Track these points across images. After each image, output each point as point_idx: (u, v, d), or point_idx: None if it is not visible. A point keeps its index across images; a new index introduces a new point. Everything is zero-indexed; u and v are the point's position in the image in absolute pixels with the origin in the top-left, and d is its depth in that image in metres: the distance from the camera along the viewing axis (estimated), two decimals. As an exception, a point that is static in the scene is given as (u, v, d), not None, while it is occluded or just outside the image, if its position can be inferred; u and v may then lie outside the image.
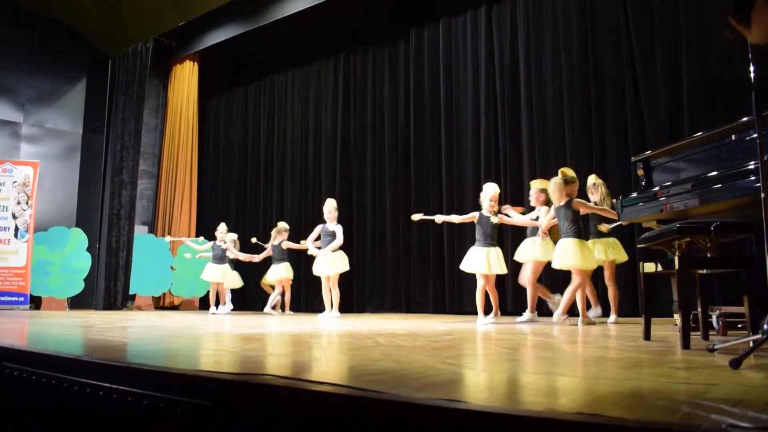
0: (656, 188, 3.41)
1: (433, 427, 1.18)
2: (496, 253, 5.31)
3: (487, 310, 5.41)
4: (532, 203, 5.78)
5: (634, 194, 3.63)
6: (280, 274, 7.90)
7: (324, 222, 7.15)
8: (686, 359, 2.13)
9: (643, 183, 3.57)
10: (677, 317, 2.84)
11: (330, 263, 6.90)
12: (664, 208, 3.29)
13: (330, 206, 7.14)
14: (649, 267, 3.05)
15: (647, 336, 2.98)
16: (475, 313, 5.43)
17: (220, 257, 8.36)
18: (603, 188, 5.13)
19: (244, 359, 2.20)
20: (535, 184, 5.80)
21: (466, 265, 5.36)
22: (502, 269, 5.38)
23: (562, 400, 1.25)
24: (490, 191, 5.42)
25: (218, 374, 1.68)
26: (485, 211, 5.36)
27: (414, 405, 1.23)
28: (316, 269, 7.02)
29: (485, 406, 1.16)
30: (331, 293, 6.96)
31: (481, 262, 5.24)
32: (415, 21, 8.51)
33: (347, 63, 9.34)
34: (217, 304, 8.44)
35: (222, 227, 8.48)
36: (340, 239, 6.94)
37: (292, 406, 1.44)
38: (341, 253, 7.01)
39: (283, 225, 8.24)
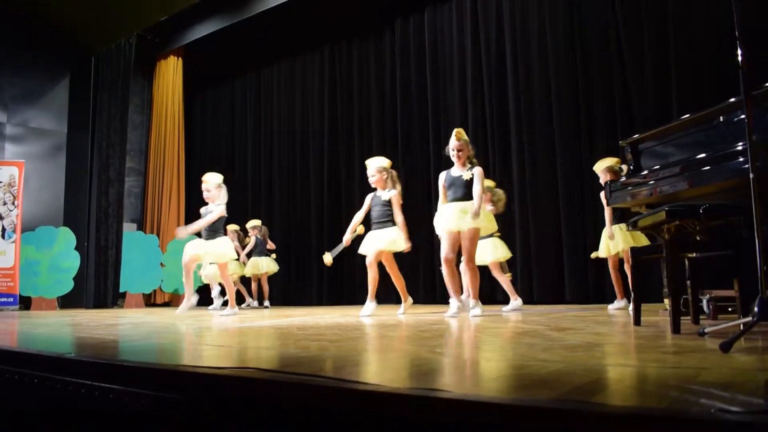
0: (645, 171, 3.38)
1: (417, 416, 1.15)
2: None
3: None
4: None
5: (623, 178, 3.60)
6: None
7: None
8: (676, 344, 2.11)
9: (632, 167, 3.54)
10: (667, 302, 2.81)
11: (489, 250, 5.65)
12: (653, 192, 3.25)
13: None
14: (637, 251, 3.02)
15: (637, 321, 2.96)
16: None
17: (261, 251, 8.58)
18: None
19: (232, 353, 2.16)
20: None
21: None
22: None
23: (545, 387, 1.22)
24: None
25: (201, 368, 1.64)
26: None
27: (396, 395, 1.19)
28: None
29: (466, 395, 1.13)
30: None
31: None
32: (400, 12, 8.45)
33: (333, 55, 9.27)
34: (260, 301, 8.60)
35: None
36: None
37: (278, 399, 1.41)
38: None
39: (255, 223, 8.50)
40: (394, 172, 5.37)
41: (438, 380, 1.41)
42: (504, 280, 5.79)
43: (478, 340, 2.50)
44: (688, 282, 3.00)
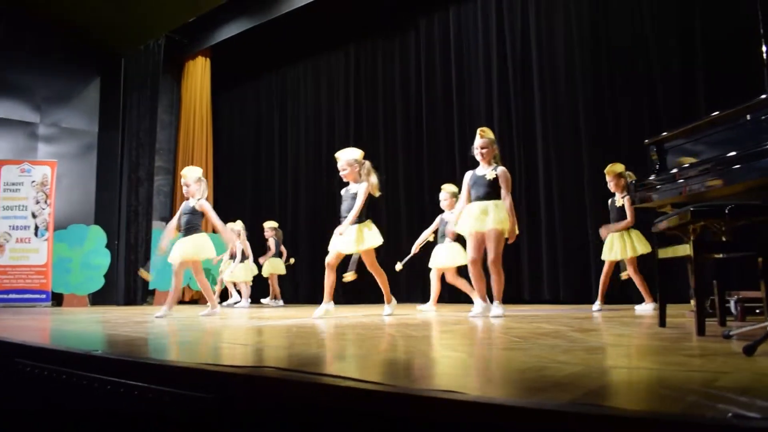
0: (674, 170, 3.33)
1: (431, 418, 1.16)
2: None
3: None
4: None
5: (652, 177, 3.54)
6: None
7: (442, 211, 6.15)
8: (700, 346, 2.08)
9: (657, 166, 3.49)
10: (693, 303, 2.77)
11: (452, 254, 5.91)
12: (683, 191, 3.20)
13: (444, 193, 6.06)
14: (665, 252, 2.98)
15: (662, 323, 2.92)
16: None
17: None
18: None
19: (249, 352, 2.19)
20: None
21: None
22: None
23: (563, 389, 1.22)
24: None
25: (221, 367, 1.67)
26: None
27: (410, 396, 1.20)
28: (435, 262, 6.03)
29: (481, 397, 1.13)
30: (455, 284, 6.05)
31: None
32: (424, 10, 8.44)
33: (358, 54, 9.30)
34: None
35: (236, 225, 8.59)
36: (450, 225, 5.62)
37: (292, 399, 1.42)
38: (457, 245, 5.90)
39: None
40: (368, 164, 5.01)
41: (454, 382, 1.42)
42: (462, 284, 5.87)
43: (498, 341, 2.50)
44: (715, 283, 2.95)
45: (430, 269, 6.14)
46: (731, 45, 5.55)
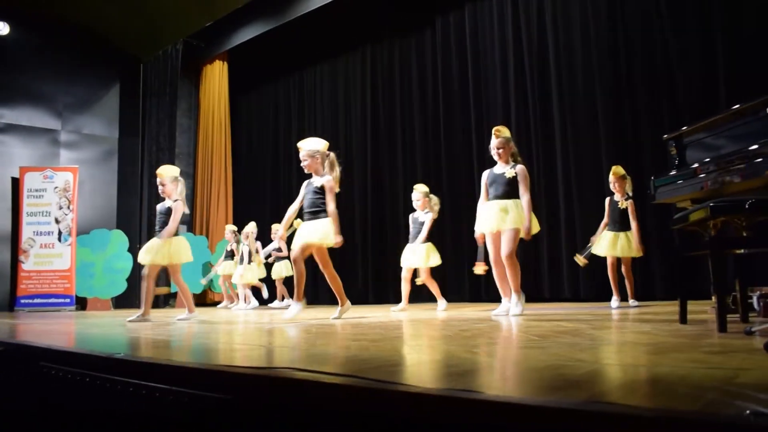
0: (695, 165, 3.30)
1: (448, 418, 1.16)
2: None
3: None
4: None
5: (673, 172, 3.51)
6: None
7: (413, 210, 6.26)
8: (720, 343, 2.06)
9: (676, 162, 3.46)
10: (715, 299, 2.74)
11: (424, 255, 5.97)
12: (704, 186, 3.17)
13: (417, 193, 6.15)
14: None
15: (683, 319, 2.89)
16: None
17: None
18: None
19: (266, 353, 2.21)
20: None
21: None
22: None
23: (580, 388, 1.21)
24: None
25: (238, 368, 1.69)
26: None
27: (428, 396, 1.21)
28: (405, 261, 6.10)
29: (498, 396, 1.13)
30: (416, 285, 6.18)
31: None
32: (440, 8, 8.42)
33: (374, 54, 9.31)
34: (273, 299, 8.93)
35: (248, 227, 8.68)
36: (424, 231, 5.97)
37: (309, 399, 1.43)
38: (431, 245, 6.06)
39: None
40: (332, 155, 4.73)
41: (472, 381, 1.42)
42: (433, 285, 6.01)
43: (517, 339, 2.49)
44: (737, 278, 2.92)
45: (401, 269, 6.21)
46: (752, 39, 5.47)
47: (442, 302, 5.94)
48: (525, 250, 5.87)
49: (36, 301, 9.32)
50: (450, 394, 1.18)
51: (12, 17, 9.66)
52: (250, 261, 8.48)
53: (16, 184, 9.71)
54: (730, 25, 5.71)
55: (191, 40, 10.66)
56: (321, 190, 4.60)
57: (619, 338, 2.31)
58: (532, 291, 6.38)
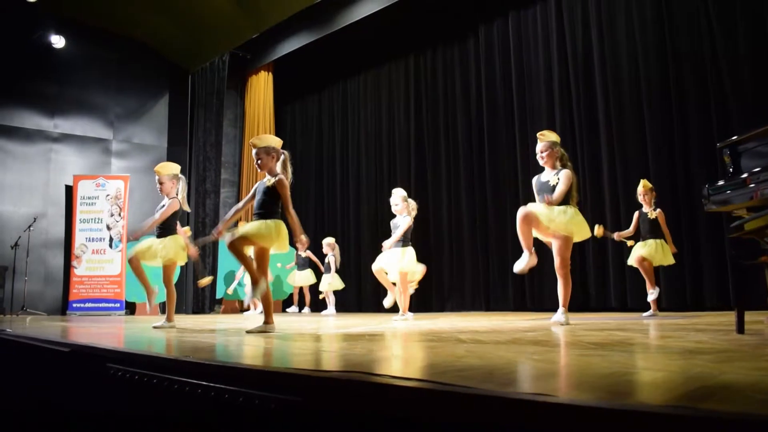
0: (744, 175, 3.26)
1: (522, 421, 1.19)
2: None
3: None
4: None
5: (721, 182, 3.48)
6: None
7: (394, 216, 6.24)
8: (784, 352, 2.04)
9: (731, 170, 3.42)
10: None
11: (396, 259, 5.89)
12: (754, 195, 3.14)
13: (395, 197, 6.08)
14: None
15: (740, 329, 2.86)
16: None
17: (302, 264, 9.49)
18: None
19: (328, 357, 2.26)
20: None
21: None
22: None
23: (651, 394, 1.24)
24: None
25: (307, 371, 1.74)
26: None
27: (503, 399, 1.24)
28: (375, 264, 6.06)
29: (574, 400, 1.16)
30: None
31: None
32: (483, 17, 8.45)
33: (417, 63, 9.38)
34: (301, 306, 9.59)
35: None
36: (397, 233, 5.90)
37: (379, 402, 1.47)
38: (409, 249, 5.96)
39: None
40: (286, 154, 4.38)
41: (538, 386, 1.45)
42: (394, 290, 5.96)
43: (572, 348, 2.50)
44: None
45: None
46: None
47: (405, 314, 5.84)
48: (571, 259, 5.82)
49: (87, 305, 9.61)
50: (524, 398, 1.22)
51: (67, 31, 10.03)
52: (337, 270, 9.07)
53: (69, 191, 10.05)
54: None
55: (237, 51, 10.90)
56: (272, 191, 4.24)
57: (678, 346, 2.30)
58: (578, 301, 6.34)
